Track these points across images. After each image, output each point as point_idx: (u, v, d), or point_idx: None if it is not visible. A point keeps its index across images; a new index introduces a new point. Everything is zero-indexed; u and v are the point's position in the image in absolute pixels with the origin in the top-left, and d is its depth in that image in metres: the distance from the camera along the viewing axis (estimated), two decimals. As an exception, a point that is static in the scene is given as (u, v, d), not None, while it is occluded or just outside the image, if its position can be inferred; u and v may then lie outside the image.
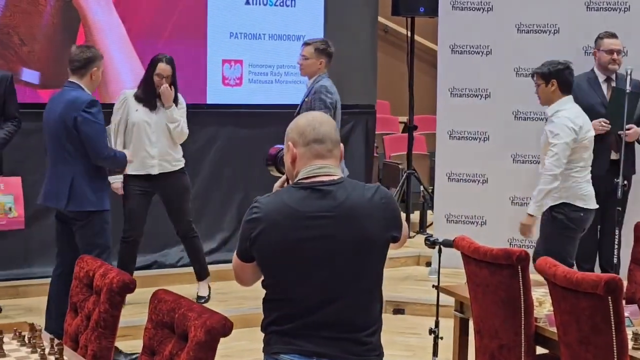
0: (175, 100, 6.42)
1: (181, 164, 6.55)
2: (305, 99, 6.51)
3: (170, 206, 6.58)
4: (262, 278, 3.12)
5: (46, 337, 3.65)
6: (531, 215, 5.74)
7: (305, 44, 6.56)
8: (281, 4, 7.76)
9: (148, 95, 6.35)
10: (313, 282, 3.00)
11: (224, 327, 3.04)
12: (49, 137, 5.46)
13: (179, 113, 6.43)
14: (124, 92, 6.45)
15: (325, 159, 3.09)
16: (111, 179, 6.04)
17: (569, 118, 5.63)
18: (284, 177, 3.23)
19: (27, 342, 3.70)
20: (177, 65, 6.73)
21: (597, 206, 5.85)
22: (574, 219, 5.71)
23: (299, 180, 3.08)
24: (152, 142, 6.37)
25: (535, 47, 7.33)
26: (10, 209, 6.11)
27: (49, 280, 6.65)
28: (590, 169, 5.78)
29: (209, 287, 6.84)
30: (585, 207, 5.73)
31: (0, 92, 6.19)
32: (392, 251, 8.26)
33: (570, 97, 5.74)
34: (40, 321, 4.82)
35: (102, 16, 7.06)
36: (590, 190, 5.78)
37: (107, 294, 3.70)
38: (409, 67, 8.67)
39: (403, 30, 10.85)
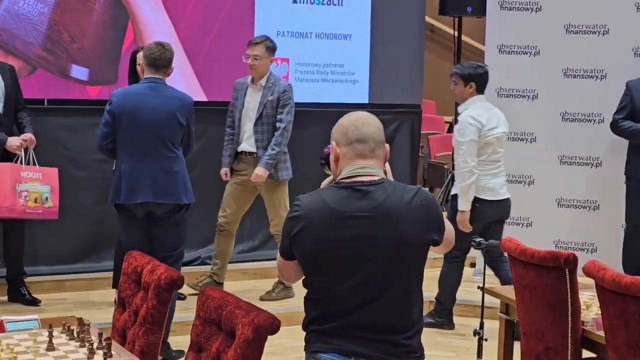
0: None
1: None
2: (270, 98, 6.53)
3: None
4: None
5: (94, 331, 3.69)
6: (462, 211, 6.11)
7: (254, 43, 6.52)
8: (328, 2, 7.76)
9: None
10: (350, 282, 3.00)
11: (272, 325, 3.05)
12: (149, 133, 5.37)
13: None
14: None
15: (367, 159, 3.09)
16: None
17: (471, 116, 6.06)
18: (331, 176, 3.23)
19: (75, 336, 3.74)
20: (224, 62, 6.79)
21: (504, 197, 6.25)
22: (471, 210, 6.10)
23: (340, 179, 3.09)
24: None
25: (584, 48, 7.27)
26: (47, 198, 6.17)
27: (92, 274, 6.80)
28: (498, 164, 6.22)
29: None
30: (485, 198, 6.13)
31: (14, 82, 6.24)
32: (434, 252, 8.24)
33: (481, 97, 6.19)
34: (85, 315, 4.89)
35: (151, 14, 7.12)
36: (495, 182, 6.20)
37: (155, 290, 3.72)
38: (455, 64, 8.61)
39: (449, 30, 10.85)
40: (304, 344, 3.16)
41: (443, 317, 6.56)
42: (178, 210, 5.49)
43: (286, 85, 6.65)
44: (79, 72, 6.78)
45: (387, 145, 3.17)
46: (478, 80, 6.15)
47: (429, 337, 6.38)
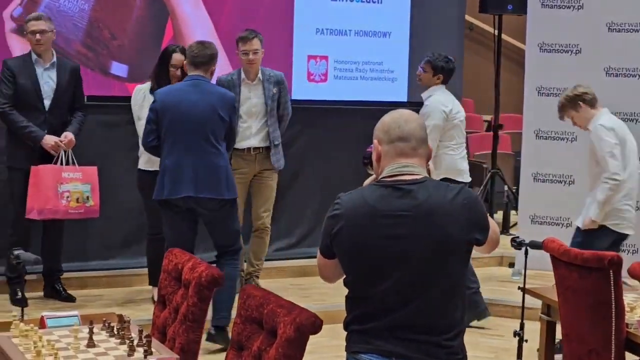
0: None
1: None
2: (274, 90, 6.52)
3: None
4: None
5: (134, 328, 3.69)
6: None
7: (250, 38, 6.39)
8: (367, 0, 7.72)
9: (160, 85, 6.12)
10: (391, 281, 2.96)
11: (314, 324, 3.03)
12: (191, 128, 5.45)
13: None
14: (140, 88, 6.30)
15: (409, 157, 3.05)
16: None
17: (440, 102, 6.37)
18: (374, 175, 3.20)
19: (116, 333, 3.74)
20: (263, 59, 6.76)
21: (470, 180, 6.57)
22: None
23: (382, 178, 3.06)
24: None
25: (626, 47, 7.17)
26: (88, 197, 6.23)
27: (129, 271, 6.81)
28: (464, 146, 6.57)
29: None
30: (461, 180, 6.32)
31: (72, 81, 6.29)
32: (475, 251, 8.18)
33: (443, 86, 6.47)
34: (123, 312, 4.90)
35: (190, 10, 7.12)
36: (465, 165, 6.54)
37: (195, 287, 3.71)
38: (495, 65, 8.57)
39: (488, 28, 10.78)
40: (342, 342, 3.13)
41: None
42: (223, 206, 5.55)
43: (281, 74, 6.64)
44: (119, 69, 6.80)
45: (430, 144, 3.13)
46: (447, 73, 6.46)
47: (469, 337, 6.27)
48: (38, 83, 6.12)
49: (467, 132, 9.37)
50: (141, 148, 6.10)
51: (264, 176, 6.67)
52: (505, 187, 8.60)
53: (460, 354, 3.08)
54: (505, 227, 8.63)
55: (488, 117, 9.93)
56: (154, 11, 7.02)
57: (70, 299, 6.43)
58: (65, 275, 6.61)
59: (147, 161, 6.21)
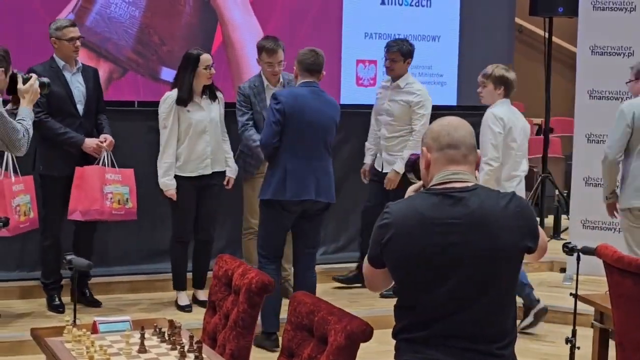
0: (214, 96, 6.35)
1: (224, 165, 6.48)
2: None
3: (207, 206, 6.46)
4: (393, 284, 3.08)
5: (185, 334, 3.70)
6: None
7: (277, 49, 6.37)
8: (417, 4, 7.69)
9: (189, 94, 6.21)
10: (442, 290, 2.94)
11: (365, 332, 3.02)
12: (314, 135, 5.65)
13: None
14: (170, 95, 6.25)
15: (460, 164, 3.03)
16: (167, 185, 6.19)
17: (424, 88, 6.79)
18: (419, 182, 3.18)
19: (167, 338, 3.76)
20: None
21: None
22: None
23: (432, 186, 3.04)
24: (206, 141, 6.30)
25: (680, 49, 7.07)
26: (127, 200, 6.26)
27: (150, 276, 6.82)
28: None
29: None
30: None
31: (96, 85, 6.32)
32: (526, 256, 8.06)
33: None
34: (151, 316, 4.93)
35: (240, 16, 7.15)
36: None
37: (246, 294, 3.72)
38: (546, 68, 8.49)
39: (537, 30, 10.67)
40: (390, 348, 3.11)
41: None
42: (326, 209, 5.83)
43: (292, 77, 6.56)
44: (169, 74, 6.82)
45: (479, 151, 3.11)
46: (412, 57, 6.76)
47: (520, 344, 6.23)
48: (70, 89, 6.14)
49: (516, 136, 9.34)
50: (165, 157, 6.20)
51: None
52: (556, 192, 8.51)
53: None
54: (556, 231, 8.54)
55: (538, 121, 9.82)
56: (204, 17, 7.06)
57: (96, 303, 6.46)
58: (100, 279, 6.68)
59: (179, 167, 6.26)
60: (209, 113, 6.29)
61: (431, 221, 2.96)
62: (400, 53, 6.69)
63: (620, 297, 4.34)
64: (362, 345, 3.14)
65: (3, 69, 4.79)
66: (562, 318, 6.45)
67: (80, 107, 6.20)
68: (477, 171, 3.12)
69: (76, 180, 6.11)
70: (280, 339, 5.40)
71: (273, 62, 6.38)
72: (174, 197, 6.25)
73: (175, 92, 6.24)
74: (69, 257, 4.62)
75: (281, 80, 6.53)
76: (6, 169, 5.76)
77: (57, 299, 6.30)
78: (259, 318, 4.81)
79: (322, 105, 5.68)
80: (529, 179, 8.32)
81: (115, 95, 6.83)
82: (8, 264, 6.54)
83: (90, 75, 6.31)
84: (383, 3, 7.59)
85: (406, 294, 3.04)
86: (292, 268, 6.71)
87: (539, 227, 3.09)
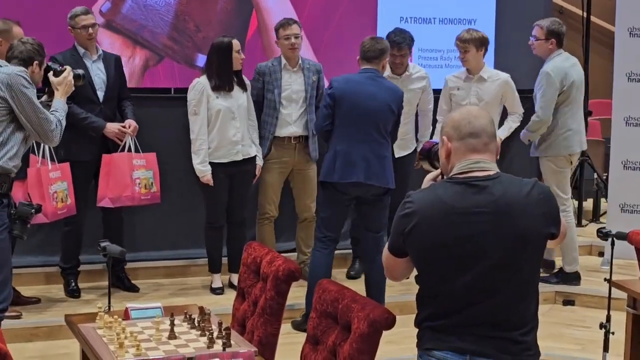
0: (244, 84, 6.42)
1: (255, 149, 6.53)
2: (313, 78, 6.67)
3: (239, 191, 6.53)
4: (416, 273, 3.09)
5: (215, 320, 3.75)
6: None
7: (291, 23, 6.52)
8: (452, -13, 7.66)
9: (224, 80, 6.29)
10: (467, 278, 2.95)
11: (387, 320, 3.05)
12: (365, 119, 5.73)
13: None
14: (199, 82, 6.33)
15: (481, 153, 3.03)
16: (203, 171, 6.25)
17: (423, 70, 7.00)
18: (437, 171, 3.18)
19: (196, 325, 3.82)
20: (347, 49, 6.78)
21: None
22: None
23: (454, 175, 3.04)
24: (236, 127, 6.36)
25: None
26: (152, 183, 6.34)
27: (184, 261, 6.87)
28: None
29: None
30: None
31: (118, 72, 6.38)
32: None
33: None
34: (191, 302, 4.97)
35: (275, 2, 7.16)
36: None
37: (273, 281, 3.76)
38: (584, 50, 8.40)
39: (578, 11, 10.53)
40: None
41: None
42: (385, 194, 5.85)
43: (320, 65, 6.80)
44: (205, 60, 6.84)
45: (498, 139, 3.11)
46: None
47: (555, 329, 6.26)
48: (90, 76, 6.17)
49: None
50: (198, 143, 6.27)
51: (306, 168, 6.78)
52: (595, 175, 8.43)
53: (532, 349, 3.07)
54: (595, 215, 8.48)
55: (578, 103, 9.73)
56: (239, 3, 7.08)
57: (134, 288, 6.54)
58: (133, 264, 6.76)
59: (210, 153, 6.33)
60: (236, 100, 6.35)
61: (455, 210, 2.97)
62: (409, 47, 6.75)
63: (651, 283, 4.33)
64: (397, 329, 3.16)
65: (38, 62, 4.87)
66: (599, 302, 6.42)
67: (100, 94, 6.25)
68: (496, 157, 3.12)
69: (104, 167, 6.18)
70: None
71: (290, 34, 6.48)
72: (211, 183, 6.32)
73: (204, 78, 6.32)
74: (103, 244, 4.70)
75: (300, 62, 6.60)
76: (43, 156, 5.85)
77: (73, 284, 6.39)
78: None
79: (377, 91, 5.74)
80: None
81: (152, 82, 6.89)
82: (48, 249, 6.63)
83: (111, 62, 6.35)
84: (418, -13, 7.57)
85: (429, 283, 3.06)
86: (305, 252, 6.85)
87: (559, 212, 3.09)
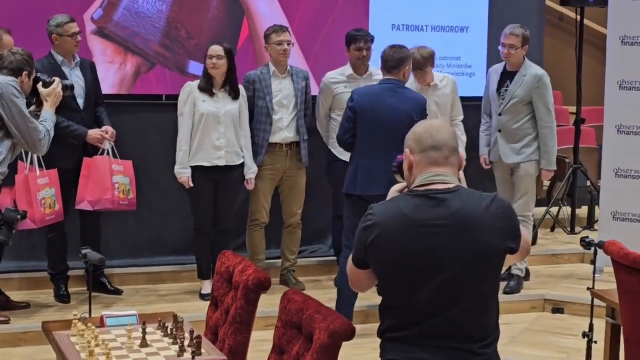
0: (235, 91, 6.44)
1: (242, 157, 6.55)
2: (302, 84, 6.74)
3: (223, 199, 6.56)
4: (377, 284, 3.11)
5: (187, 328, 3.78)
6: None
7: (284, 29, 6.61)
8: (444, -6, 7.68)
9: (207, 84, 6.37)
10: (426, 290, 2.97)
11: (346, 331, 3.07)
12: (386, 131, 5.72)
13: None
14: (188, 84, 6.46)
15: (442, 166, 3.06)
16: (179, 172, 6.35)
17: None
18: (402, 183, 3.21)
19: (169, 333, 3.85)
20: (338, 56, 6.79)
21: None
22: None
23: (415, 187, 3.07)
24: (220, 132, 6.40)
25: None
26: (129, 190, 6.37)
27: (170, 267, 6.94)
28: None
29: None
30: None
31: (94, 78, 6.39)
32: (556, 247, 8.07)
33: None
34: (177, 308, 4.99)
35: (266, 9, 7.19)
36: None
37: (243, 290, 3.79)
38: (577, 58, 8.40)
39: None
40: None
41: None
42: None
43: (307, 71, 6.89)
44: (196, 67, 6.90)
45: (461, 153, 3.14)
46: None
47: (541, 337, 6.27)
48: None
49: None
50: (179, 145, 6.36)
51: (295, 174, 6.82)
52: (588, 183, 8.44)
53: None
54: (589, 223, 8.47)
55: (574, 110, 9.72)
56: (230, 10, 7.12)
57: (118, 291, 6.60)
58: (116, 270, 6.83)
59: (192, 155, 6.40)
60: (224, 105, 6.39)
61: (414, 222, 2.99)
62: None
63: (627, 294, 4.34)
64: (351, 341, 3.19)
65: (27, 72, 4.92)
66: (587, 310, 6.40)
67: (80, 101, 6.27)
68: (460, 172, 3.14)
69: (84, 170, 6.21)
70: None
71: (282, 40, 6.55)
72: (186, 185, 6.38)
73: (195, 82, 6.43)
74: (84, 251, 4.75)
75: (289, 69, 6.67)
76: (31, 163, 5.89)
77: (63, 289, 6.42)
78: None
79: (397, 102, 5.77)
80: (561, 169, 8.28)
81: (143, 88, 6.94)
82: (37, 254, 6.68)
83: (87, 68, 6.39)
84: (410, -6, 7.60)
85: (390, 294, 3.07)
86: (289, 258, 6.91)
87: (520, 227, 3.11)
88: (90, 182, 6.20)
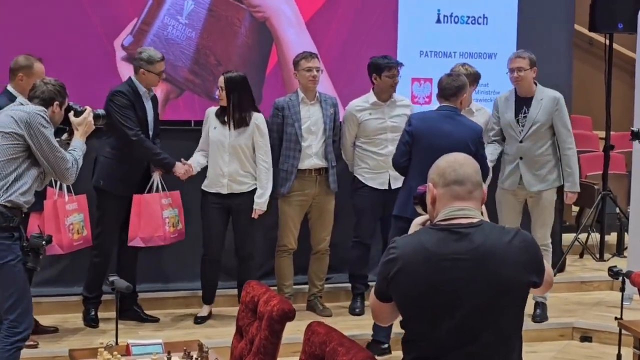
0: (244, 121, 6.44)
1: (251, 186, 6.56)
2: (331, 111, 6.78)
3: (237, 226, 6.60)
4: (400, 318, 3.12)
5: (212, 357, 3.80)
6: None
7: (314, 56, 6.68)
8: (473, 21, 7.67)
9: (220, 112, 6.50)
10: (447, 324, 2.97)
11: (369, 365, 3.07)
12: (438, 156, 5.61)
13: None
14: (208, 109, 6.61)
15: (465, 200, 3.07)
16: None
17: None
18: (425, 216, 3.22)
19: (194, 362, 3.87)
20: (367, 82, 6.80)
21: None
22: None
23: (438, 221, 3.07)
24: (224, 161, 6.47)
25: None
26: (178, 221, 6.47)
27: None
28: None
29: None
30: None
31: (157, 110, 6.52)
32: (585, 274, 8.01)
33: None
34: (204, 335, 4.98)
35: (295, 36, 7.24)
36: None
37: (267, 321, 3.80)
38: (606, 82, 8.37)
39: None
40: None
41: None
42: None
43: (334, 98, 6.91)
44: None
45: (484, 187, 3.14)
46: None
47: (569, 366, 6.25)
48: (146, 114, 6.35)
49: (580, 152, 9.24)
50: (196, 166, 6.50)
51: (324, 201, 6.83)
52: (617, 209, 8.38)
53: None
54: (619, 250, 8.42)
55: (602, 134, 9.68)
56: (259, 37, 7.17)
57: (153, 318, 6.62)
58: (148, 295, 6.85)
59: (207, 184, 6.50)
60: (231, 135, 6.45)
61: (437, 257, 2.99)
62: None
63: (654, 326, 4.31)
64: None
65: (58, 102, 4.97)
66: (615, 340, 6.36)
67: (150, 133, 6.43)
68: (482, 207, 3.15)
69: (135, 207, 6.30)
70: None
71: (312, 66, 6.60)
72: (182, 171, 6.44)
73: (215, 108, 6.57)
74: (111, 279, 4.80)
75: (317, 95, 6.70)
76: (60, 188, 5.96)
77: (93, 313, 6.46)
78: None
79: (454, 128, 5.81)
80: (590, 196, 8.24)
81: (172, 114, 6.99)
82: (66, 280, 6.74)
83: (155, 100, 6.54)
84: (439, 21, 7.60)
85: (413, 328, 3.08)
86: (316, 284, 6.90)
87: (544, 261, 3.11)
88: (142, 219, 6.29)
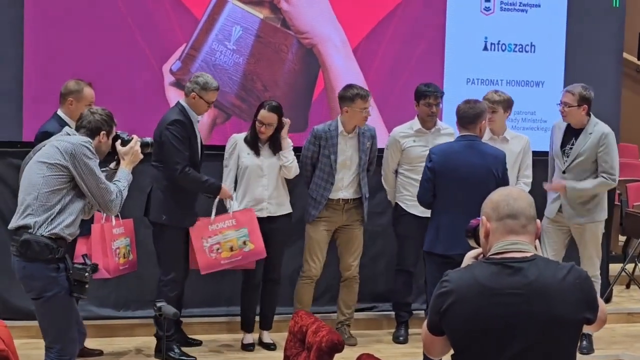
0: (278, 147, 6.49)
1: (288, 208, 6.61)
2: (368, 144, 6.71)
3: (270, 249, 6.51)
4: (452, 352, 3.09)
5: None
6: None
7: (369, 96, 6.58)
8: (520, 49, 7.65)
9: (253, 140, 6.49)
10: (500, 359, 2.94)
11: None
12: (465, 188, 5.64)
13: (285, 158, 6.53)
14: (233, 137, 6.56)
15: (519, 234, 3.04)
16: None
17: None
18: (478, 250, 3.19)
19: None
20: (413, 110, 6.79)
21: None
22: None
23: (491, 255, 3.05)
24: (263, 185, 6.47)
25: None
26: (244, 242, 6.35)
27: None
28: None
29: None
30: None
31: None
32: (632, 305, 7.96)
33: None
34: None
35: (341, 62, 7.26)
36: None
37: (316, 352, 3.79)
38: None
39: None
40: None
41: None
42: None
43: (373, 129, 6.81)
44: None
45: (538, 221, 3.11)
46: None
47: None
48: (197, 141, 6.33)
49: (626, 181, 9.17)
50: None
51: (352, 227, 6.79)
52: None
53: None
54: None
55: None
56: (306, 63, 7.19)
57: (195, 342, 6.61)
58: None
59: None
60: (267, 158, 6.47)
61: (490, 291, 2.97)
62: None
63: None
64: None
65: (105, 132, 4.93)
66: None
67: (199, 159, 6.36)
68: (537, 241, 3.12)
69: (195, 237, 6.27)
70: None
71: (368, 106, 6.56)
72: (229, 193, 6.41)
73: (241, 134, 6.56)
74: (159, 304, 4.79)
75: (357, 129, 6.66)
76: (107, 212, 5.97)
77: (176, 349, 6.31)
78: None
79: (476, 158, 5.73)
80: (637, 226, 8.14)
81: (219, 140, 7.01)
82: (113, 302, 6.80)
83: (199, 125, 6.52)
84: (485, 49, 7.59)
85: (465, 362, 3.05)
86: (345, 312, 6.86)
87: (598, 298, 3.07)
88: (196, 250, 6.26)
